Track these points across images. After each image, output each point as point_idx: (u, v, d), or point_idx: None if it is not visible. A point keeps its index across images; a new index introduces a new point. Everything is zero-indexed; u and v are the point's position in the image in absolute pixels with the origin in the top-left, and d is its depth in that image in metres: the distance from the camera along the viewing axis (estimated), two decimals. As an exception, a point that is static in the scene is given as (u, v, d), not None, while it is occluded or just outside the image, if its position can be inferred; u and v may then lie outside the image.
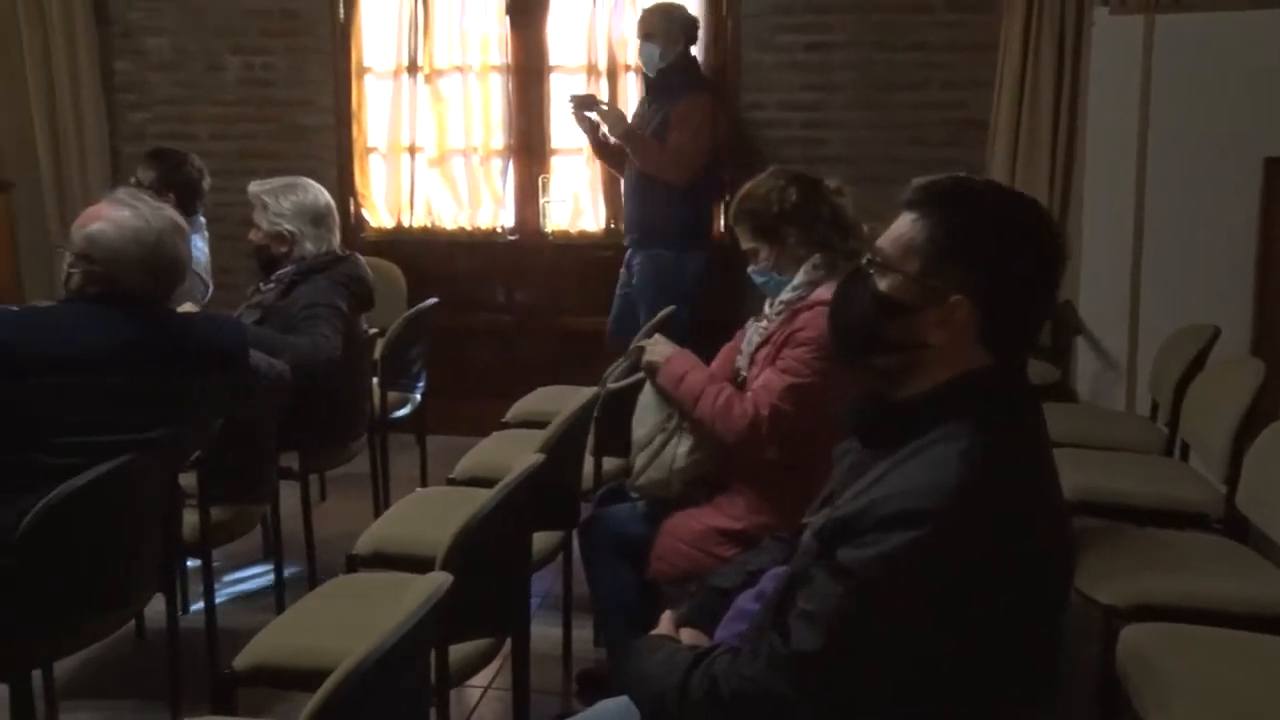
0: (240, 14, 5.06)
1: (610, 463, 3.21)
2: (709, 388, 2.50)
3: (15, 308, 4.11)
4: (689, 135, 4.30)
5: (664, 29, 4.34)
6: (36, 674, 2.33)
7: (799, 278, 2.54)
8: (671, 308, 3.88)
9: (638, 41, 4.42)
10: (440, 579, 1.66)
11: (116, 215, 2.40)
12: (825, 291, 2.46)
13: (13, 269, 5.05)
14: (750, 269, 2.60)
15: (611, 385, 2.83)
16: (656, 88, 4.41)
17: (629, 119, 4.47)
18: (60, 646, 2.34)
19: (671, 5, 4.47)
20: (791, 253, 2.54)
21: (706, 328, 4.11)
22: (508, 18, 4.94)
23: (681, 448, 2.56)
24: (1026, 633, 1.34)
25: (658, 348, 2.64)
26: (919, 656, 1.30)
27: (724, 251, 4.37)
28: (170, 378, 2.40)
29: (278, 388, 2.80)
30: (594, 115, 4.48)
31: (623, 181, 4.64)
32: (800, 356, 2.44)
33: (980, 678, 1.32)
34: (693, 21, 4.43)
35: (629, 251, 4.58)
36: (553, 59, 4.94)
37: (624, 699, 1.62)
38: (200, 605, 2.85)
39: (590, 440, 3.00)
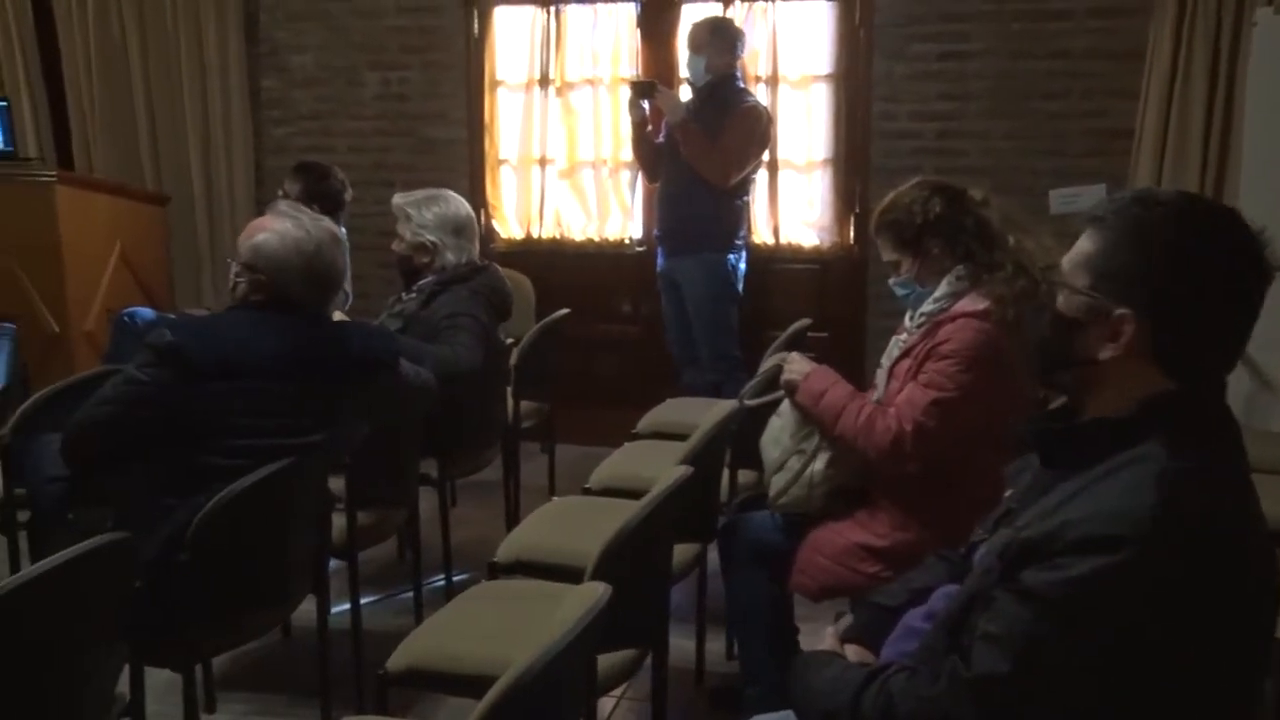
0: (380, 31, 5.20)
1: (745, 475, 3.20)
2: (850, 404, 2.46)
3: (173, 315, 4.33)
4: (742, 138, 4.33)
5: (711, 43, 4.38)
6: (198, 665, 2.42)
7: (941, 289, 2.49)
8: (805, 321, 3.87)
9: (687, 54, 4.45)
10: (599, 589, 1.67)
11: (280, 227, 2.48)
12: (968, 303, 2.42)
13: (167, 278, 5.28)
14: (892, 281, 2.56)
15: (749, 402, 2.81)
16: (704, 100, 4.41)
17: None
18: (225, 641, 2.43)
19: (719, 19, 4.57)
20: (934, 264, 2.49)
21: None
22: (638, 31, 4.98)
23: (819, 464, 2.53)
24: (1225, 663, 1.28)
25: (795, 364, 2.62)
26: (1107, 684, 1.26)
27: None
28: (329, 384, 2.47)
29: (424, 396, 2.86)
30: (646, 106, 4.51)
31: (659, 186, 4.65)
32: (944, 370, 2.39)
33: (1171, 707, 1.27)
34: (739, 36, 4.47)
35: (663, 259, 4.60)
36: (682, 71, 4.95)
37: (786, 714, 1.60)
38: (341, 607, 2.90)
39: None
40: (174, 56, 5.30)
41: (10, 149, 5.02)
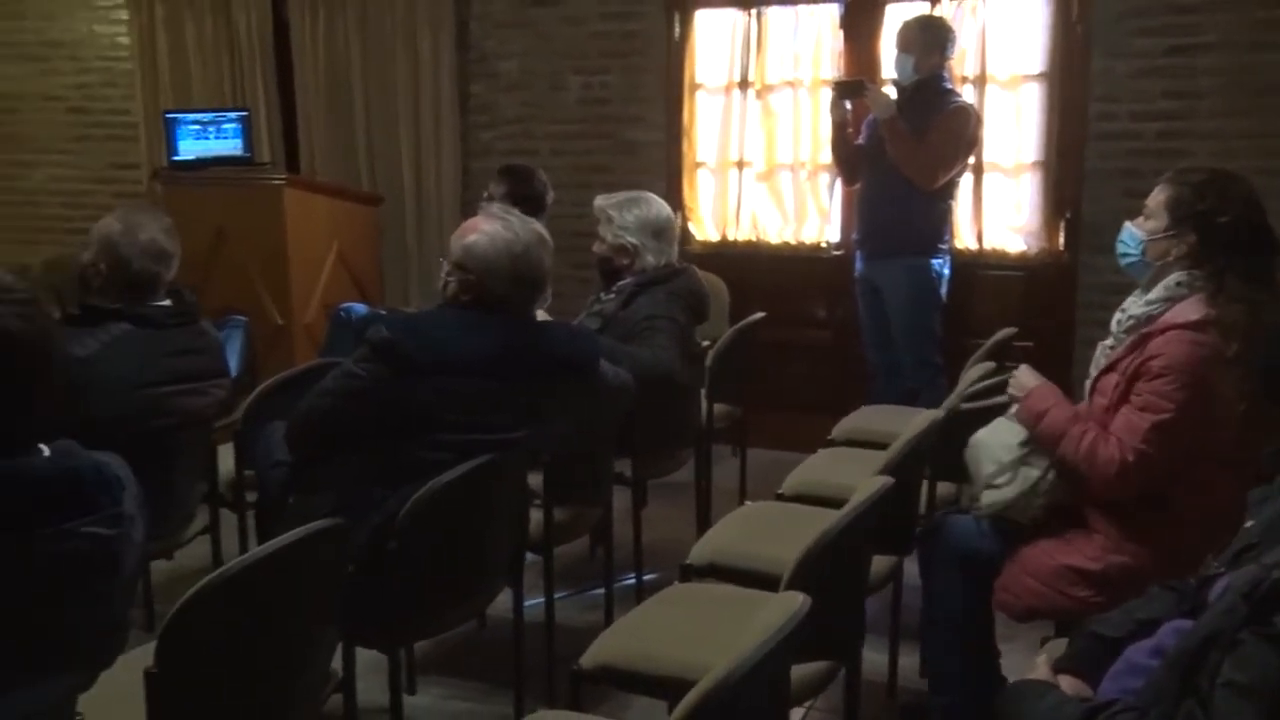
0: (584, 36, 5.31)
1: (944, 488, 3.11)
2: (1072, 429, 2.34)
3: (384, 310, 4.53)
4: (949, 139, 4.20)
5: (920, 41, 4.25)
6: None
7: (1157, 291, 2.36)
8: (1010, 330, 3.72)
9: (894, 53, 4.32)
10: (798, 599, 1.64)
11: (490, 228, 2.56)
12: (1180, 313, 2.27)
13: (378, 275, 5.54)
14: (1128, 225, 2.42)
15: (965, 406, 2.72)
16: (909, 100, 4.27)
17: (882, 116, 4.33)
18: (427, 627, 2.52)
19: (930, 18, 4.43)
20: (1174, 250, 2.34)
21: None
22: (841, 31, 4.90)
23: (1049, 474, 2.41)
24: None
25: (1020, 378, 2.51)
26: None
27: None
28: (533, 382, 2.53)
29: (623, 396, 2.89)
30: (848, 106, 4.42)
31: (860, 189, 4.54)
32: (1158, 390, 2.25)
33: None
34: (950, 35, 4.31)
35: (862, 264, 4.49)
36: (885, 72, 4.85)
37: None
38: (535, 600, 2.97)
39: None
40: (391, 65, 5.57)
41: (248, 155, 5.38)
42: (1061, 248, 4.70)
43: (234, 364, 3.40)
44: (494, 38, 5.49)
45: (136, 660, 1.75)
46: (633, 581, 3.50)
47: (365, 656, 2.46)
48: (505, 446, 2.45)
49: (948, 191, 4.34)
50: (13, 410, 1.35)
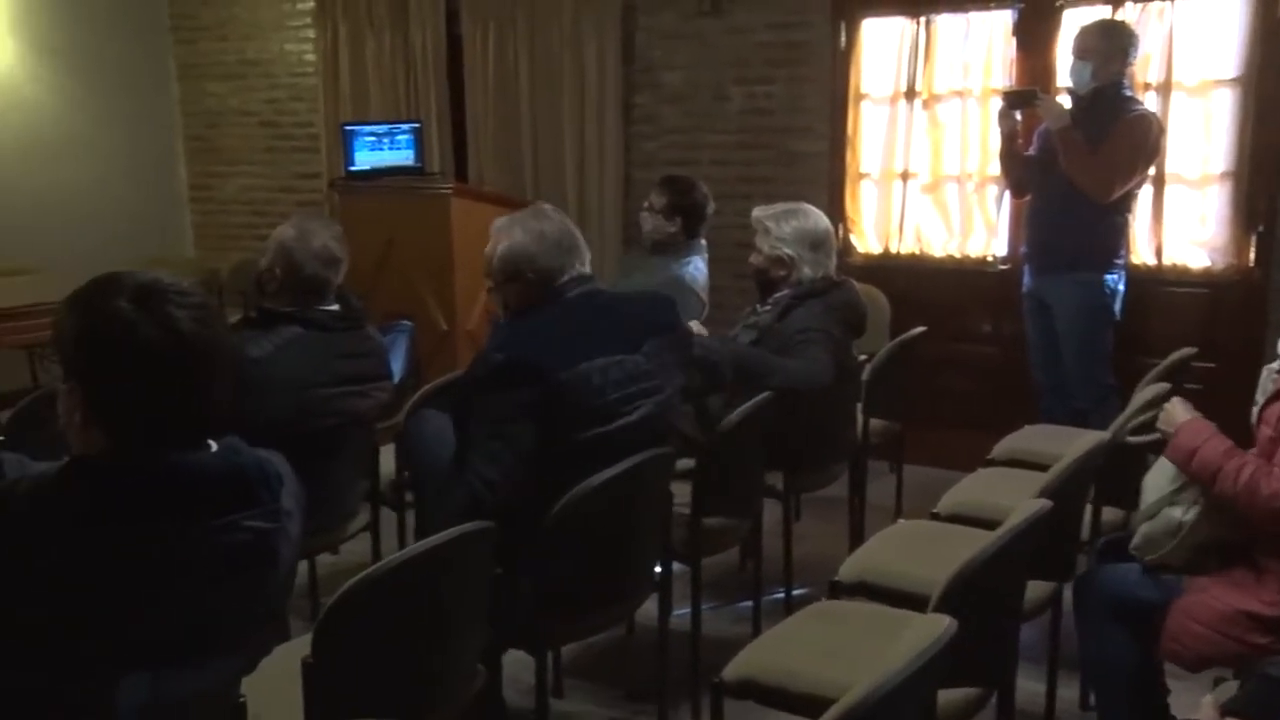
0: (748, 47, 5.30)
1: (1110, 513, 2.97)
2: (1226, 465, 2.20)
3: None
4: (1128, 149, 3.98)
5: (1101, 47, 4.03)
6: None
7: None
8: (1189, 350, 3.52)
9: (1070, 60, 4.11)
10: (943, 622, 1.59)
11: (506, 232, 2.67)
12: None
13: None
14: None
15: (1131, 440, 2.59)
16: (1085, 109, 4.07)
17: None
18: (574, 630, 2.55)
19: (1112, 22, 4.21)
20: None
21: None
22: (1014, 39, 4.75)
23: (1189, 515, 2.29)
24: None
25: (1171, 413, 2.38)
26: None
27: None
28: (642, 344, 2.58)
29: (713, 375, 2.94)
30: (1018, 117, 4.26)
31: (1030, 201, 4.36)
32: None
33: None
34: (1133, 40, 4.08)
35: (1031, 279, 4.31)
36: (1059, 80, 4.67)
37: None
38: (682, 610, 2.97)
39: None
40: (557, 77, 5.69)
41: (419, 165, 5.58)
42: (1251, 263, 4.43)
43: (398, 368, 3.52)
44: (659, 49, 5.54)
45: (296, 649, 1.83)
46: (782, 596, 3.46)
47: (513, 657, 2.51)
48: (658, 415, 2.51)
49: (1124, 204, 4.14)
50: (184, 408, 1.43)
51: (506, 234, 2.64)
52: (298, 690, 1.82)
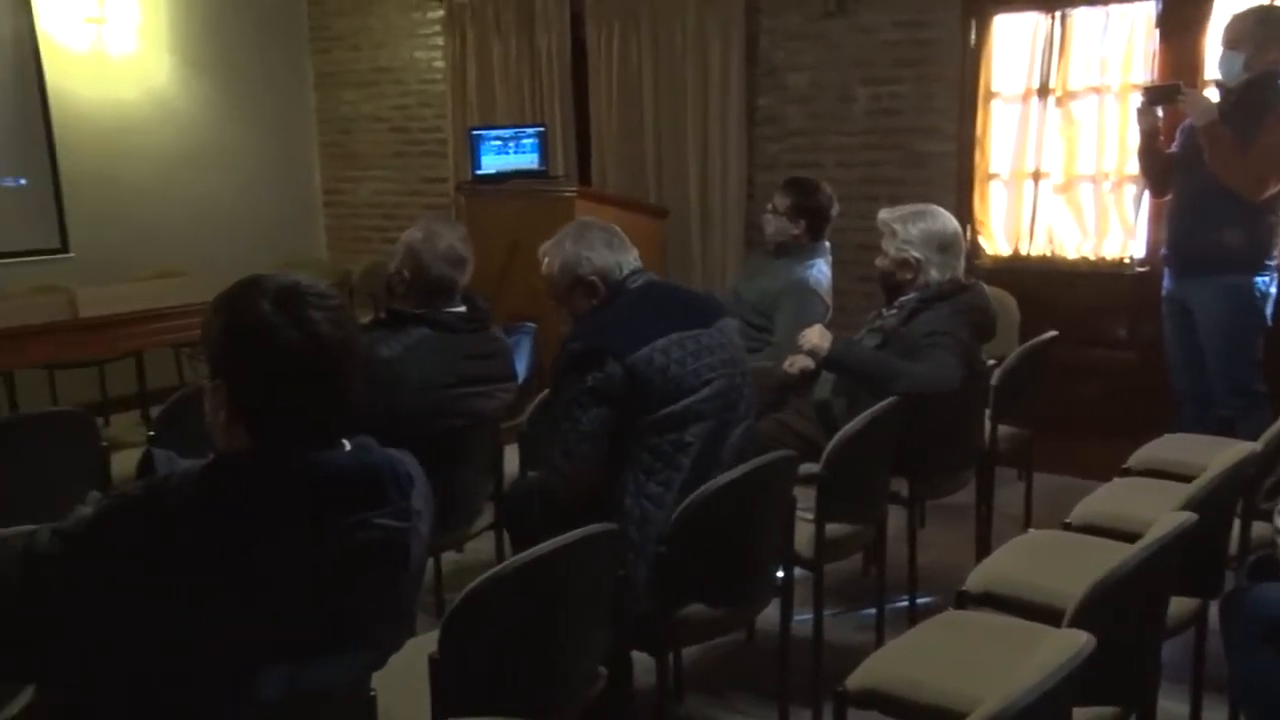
0: (875, 46, 5.23)
1: (1261, 528, 2.82)
2: None
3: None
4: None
5: (1256, 36, 3.81)
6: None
7: None
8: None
9: (1220, 50, 3.90)
10: (1080, 638, 1.54)
11: (558, 243, 2.77)
12: None
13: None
14: None
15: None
16: (1235, 103, 3.86)
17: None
18: (696, 632, 2.55)
19: (1269, 9, 3.96)
20: None
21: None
22: (1157, 31, 4.57)
23: None
24: None
25: None
26: None
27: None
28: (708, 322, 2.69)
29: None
30: (1159, 113, 4.07)
31: (1172, 201, 4.15)
32: None
33: None
34: None
35: (1172, 281, 4.12)
36: (1208, 72, 4.48)
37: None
38: (804, 616, 2.94)
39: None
40: (680, 80, 5.70)
41: (544, 168, 5.66)
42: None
43: (522, 369, 3.57)
44: (784, 50, 5.50)
45: (423, 645, 1.86)
46: (906, 604, 3.40)
47: (635, 659, 2.52)
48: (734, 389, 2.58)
49: (1276, 202, 3.94)
50: (319, 407, 1.48)
51: (556, 251, 2.76)
52: (424, 685, 1.85)
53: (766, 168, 5.60)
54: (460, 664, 1.85)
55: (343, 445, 1.51)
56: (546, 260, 2.77)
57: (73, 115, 6.05)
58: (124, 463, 3.26)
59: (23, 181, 5.93)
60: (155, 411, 3.19)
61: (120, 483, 3.19)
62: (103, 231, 6.12)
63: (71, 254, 6.03)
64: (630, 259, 2.74)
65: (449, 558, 3.57)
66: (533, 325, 4.38)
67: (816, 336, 3.33)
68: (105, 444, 3.26)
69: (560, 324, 2.79)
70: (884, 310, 3.41)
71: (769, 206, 4.21)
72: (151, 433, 3.22)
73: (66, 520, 1.44)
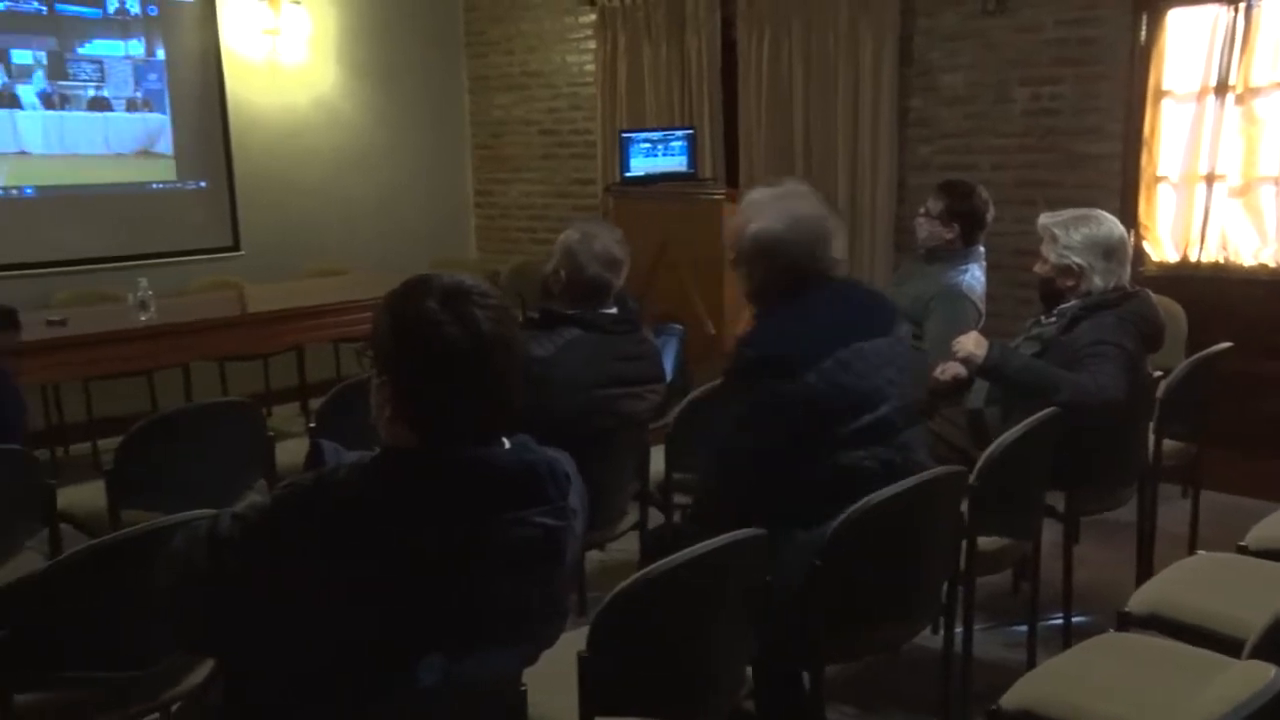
0: (1036, 44, 5.05)
1: None
2: None
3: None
4: None
5: None
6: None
7: None
8: None
9: None
10: (1268, 672, 1.44)
11: (756, 217, 2.51)
12: None
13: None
14: None
15: None
16: None
17: None
18: (849, 648, 2.49)
19: None
20: None
21: None
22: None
23: None
24: None
25: None
26: None
27: None
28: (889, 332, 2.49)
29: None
30: None
31: None
32: None
33: None
34: None
35: None
36: None
37: None
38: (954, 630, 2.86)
39: None
40: (831, 82, 5.62)
41: (692, 171, 5.66)
42: None
43: (669, 370, 3.58)
44: (939, 50, 5.37)
45: (571, 642, 1.88)
46: (1059, 622, 3.28)
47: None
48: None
49: None
50: (481, 405, 1.50)
51: (759, 213, 2.48)
52: (571, 682, 1.87)
53: (918, 170, 5.47)
54: (608, 662, 1.86)
55: (503, 443, 1.53)
56: (744, 214, 2.52)
57: (248, 121, 6.38)
58: (287, 452, 3.41)
59: (203, 184, 6.27)
60: (314, 404, 3.32)
61: (284, 470, 3.33)
62: (271, 231, 6.42)
63: (243, 251, 6.34)
64: (830, 251, 2.45)
65: (592, 556, 3.60)
66: (680, 327, 4.39)
67: (972, 344, 3.23)
68: (271, 434, 3.40)
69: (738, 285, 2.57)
70: (1042, 318, 3.29)
71: (922, 210, 4.10)
72: (313, 424, 3.35)
73: (244, 507, 1.51)
